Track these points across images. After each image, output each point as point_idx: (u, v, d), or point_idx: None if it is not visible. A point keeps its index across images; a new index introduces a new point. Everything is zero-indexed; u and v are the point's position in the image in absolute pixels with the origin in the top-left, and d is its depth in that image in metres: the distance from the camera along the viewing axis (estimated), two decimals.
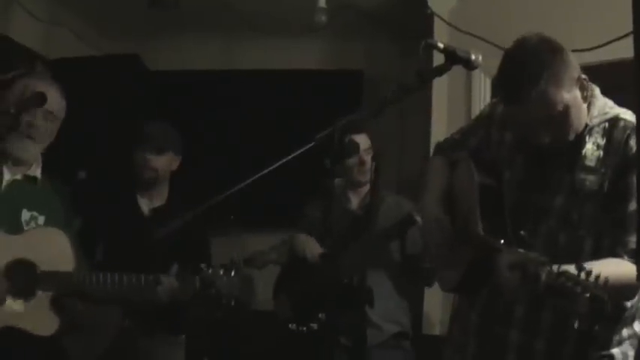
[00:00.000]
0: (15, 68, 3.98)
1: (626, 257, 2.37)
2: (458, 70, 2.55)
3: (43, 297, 3.16)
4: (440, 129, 5.45)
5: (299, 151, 2.35)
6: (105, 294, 3.34)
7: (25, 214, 3.28)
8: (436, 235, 2.70)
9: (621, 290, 2.35)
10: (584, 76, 2.51)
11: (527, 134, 2.52)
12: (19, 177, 3.33)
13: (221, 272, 3.45)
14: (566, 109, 2.44)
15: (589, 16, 4.48)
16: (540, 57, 2.42)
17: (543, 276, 2.06)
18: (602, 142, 2.51)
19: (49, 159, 3.50)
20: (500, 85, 2.52)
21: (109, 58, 6.61)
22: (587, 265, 2.10)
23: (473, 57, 2.48)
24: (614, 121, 2.52)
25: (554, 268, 2.13)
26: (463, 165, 2.67)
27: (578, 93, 2.49)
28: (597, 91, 2.61)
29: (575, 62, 2.49)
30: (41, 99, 3.21)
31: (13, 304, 3.11)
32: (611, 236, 2.42)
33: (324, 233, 4.27)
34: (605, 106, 2.57)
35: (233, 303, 3.52)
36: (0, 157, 3.30)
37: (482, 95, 5.38)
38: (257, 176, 2.40)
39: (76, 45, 6.56)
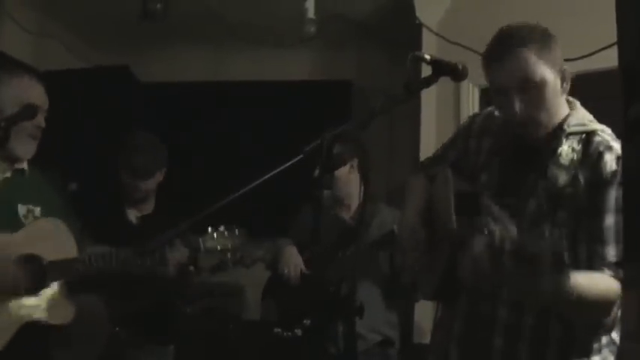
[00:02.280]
0: None
1: (605, 270, 2.39)
2: (446, 80, 2.58)
3: (55, 287, 3.20)
4: (429, 139, 5.47)
5: (287, 164, 2.37)
6: (113, 272, 3.36)
7: (22, 209, 3.30)
8: (409, 242, 2.73)
9: (601, 304, 2.38)
10: (566, 68, 2.56)
11: (502, 103, 2.55)
12: (8, 175, 3.35)
13: (221, 229, 3.47)
14: (543, 83, 2.49)
15: (576, 26, 4.51)
16: (531, 32, 2.50)
17: (507, 244, 2.07)
18: (577, 147, 2.55)
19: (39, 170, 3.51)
20: (487, 48, 2.58)
21: (98, 69, 6.62)
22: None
23: (460, 68, 2.51)
24: (592, 135, 2.56)
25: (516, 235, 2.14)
26: (440, 176, 2.69)
27: (558, 81, 2.53)
28: (578, 103, 2.66)
29: (561, 55, 2.55)
30: (32, 112, 3.23)
31: (29, 299, 3.15)
32: (587, 249, 2.44)
33: (312, 244, 4.28)
34: (584, 118, 2.61)
35: (239, 256, 3.61)
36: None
37: (471, 105, 5.40)
38: (247, 188, 2.41)
39: (65, 57, 6.58)
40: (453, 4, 5.62)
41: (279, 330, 4.28)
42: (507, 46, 2.49)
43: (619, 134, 2.49)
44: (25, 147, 3.33)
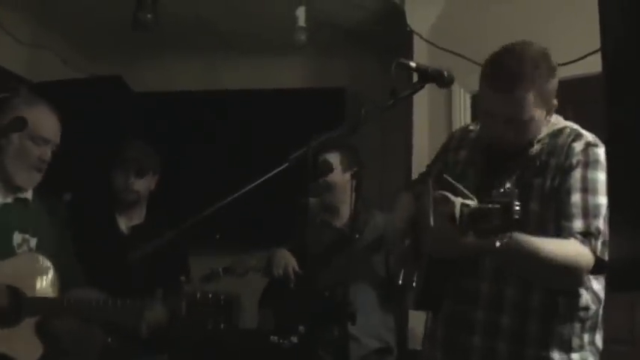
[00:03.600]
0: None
1: (572, 239, 2.42)
2: (437, 86, 2.61)
3: (28, 323, 3.15)
4: (421, 144, 5.49)
5: (274, 172, 2.39)
6: (90, 317, 3.34)
7: (17, 237, 3.28)
8: (394, 236, 2.79)
9: (571, 269, 2.43)
10: (555, 102, 2.60)
11: (487, 121, 2.63)
12: (9, 200, 3.34)
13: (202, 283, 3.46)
14: (530, 120, 2.55)
15: (564, 32, 4.54)
16: (537, 67, 2.52)
17: (466, 211, 2.11)
18: (547, 141, 2.64)
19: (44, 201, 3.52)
20: (488, 67, 2.59)
21: (92, 80, 6.65)
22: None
23: (445, 74, 2.54)
24: (561, 129, 2.66)
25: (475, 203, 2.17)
26: (424, 192, 2.74)
27: (544, 115, 2.60)
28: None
29: (555, 88, 2.60)
30: (21, 124, 3.22)
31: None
32: (555, 225, 2.48)
33: (300, 252, 4.30)
34: (554, 121, 2.69)
35: (222, 326, 3.50)
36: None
37: (463, 111, 5.42)
38: (235, 195, 2.42)
39: (59, 68, 6.58)
40: (444, 11, 5.64)
41: (275, 338, 4.28)
42: (509, 81, 2.50)
43: (601, 138, 2.53)
44: (25, 176, 3.32)
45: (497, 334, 2.56)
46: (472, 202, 2.14)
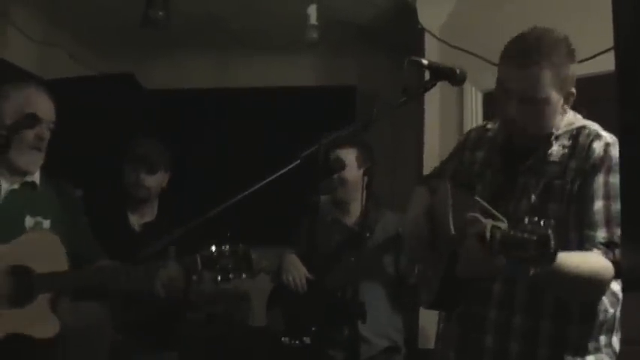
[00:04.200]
0: None
1: (595, 250, 2.41)
2: (449, 84, 2.60)
3: (42, 300, 3.15)
4: (432, 143, 5.48)
5: (284, 169, 2.38)
6: (103, 288, 3.34)
7: (29, 221, 3.29)
8: (413, 235, 2.76)
9: (594, 282, 2.40)
10: (573, 91, 2.57)
11: (502, 101, 2.58)
12: (16, 186, 3.34)
13: (224, 249, 3.39)
14: (545, 102, 2.51)
15: (576, 30, 4.51)
16: (557, 46, 2.51)
17: (498, 235, 2.09)
18: (567, 143, 2.59)
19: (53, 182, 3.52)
20: (510, 45, 2.57)
21: (104, 77, 6.65)
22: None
23: (457, 72, 2.53)
24: (580, 129, 2.60)
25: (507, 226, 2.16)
26: (441, 189, 2.72)
27: (560, 101, 2.55)
28: (568, 109, 2.67)
29: (574, 75, 2.57)
30: (33, 120, 3.24)
31: (14, 311, 3.11)
32: (579, 233, 2.46)
33: (309, 250, 4.29)
34: (572, 119, 2.64)
35: (241, 275, 3.42)
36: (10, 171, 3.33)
37: (474, 109, 5.41)
38: (246, 193, 2.42)
39: (70, 65, 6.60)
40: (456, 9, 5.63)
41: (287, 339, 4.28)
42: (526, 56, 2.48)
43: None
44: (26, 158, 3.31)
45: (509, 333, 2.55)
46: (503, 225, 2.12)
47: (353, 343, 3.83)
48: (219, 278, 3.38)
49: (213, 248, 3.36)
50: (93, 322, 3.34)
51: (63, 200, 3.48)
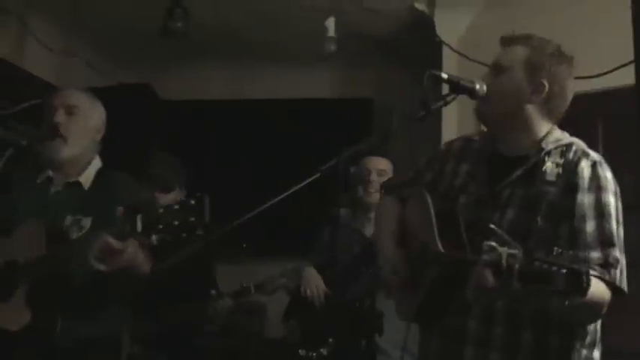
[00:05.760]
0: (28, 99, 4.01)
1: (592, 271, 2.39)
2: (467, 98, 2.60)
3: (20, 292, 3.10)
4: None
5: (304, 183, 2.38)
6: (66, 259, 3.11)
7: (68, 220, 3.25)
8: (389, 272, 2.75)
9: (597, 307, 2.38)
10: (545, 84, 2.59)
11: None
12: (60, 188, 3.33)
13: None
14: (507, 71, 2.62)
15: (593, 44, 4.52)
16: (544, 41, 2.67)
17: (517, 265, 2.06)
18: (560, 161, 2.59)
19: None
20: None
21: (121, 87, 6.67)
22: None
23: (477, 87, 2.53)
24: (569, 145, 2.62)
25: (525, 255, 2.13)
26: (416, 197, 2.71)
27: (526, 85, 2.59)
28: (555, 127, 2.69)
29: (563, 75, 2.62)
30: (55, 131, 3.24)
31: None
32: (572, 254, 2.44)
33: (329, 261, 4.29)
34: (560, 135, 2.66)
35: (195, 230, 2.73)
36: (43, 165, 3.33)
37: None
38: (265, 206, 2.42)
39: (88, 74, 6.63)
40: (474, 22, 5.63)
41: (304, 351, 4.27)
42: (512, 38, 2.69)
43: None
44: (49, 145, 3.28)
45: (489, 345, 2.53)
46: (517, 252, 2.10)
47: (371, 355, 3.81)
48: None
49: (160, 210, 2.75)
50: (109, 332, 3.30)
51: (107, 196, 3.38)
